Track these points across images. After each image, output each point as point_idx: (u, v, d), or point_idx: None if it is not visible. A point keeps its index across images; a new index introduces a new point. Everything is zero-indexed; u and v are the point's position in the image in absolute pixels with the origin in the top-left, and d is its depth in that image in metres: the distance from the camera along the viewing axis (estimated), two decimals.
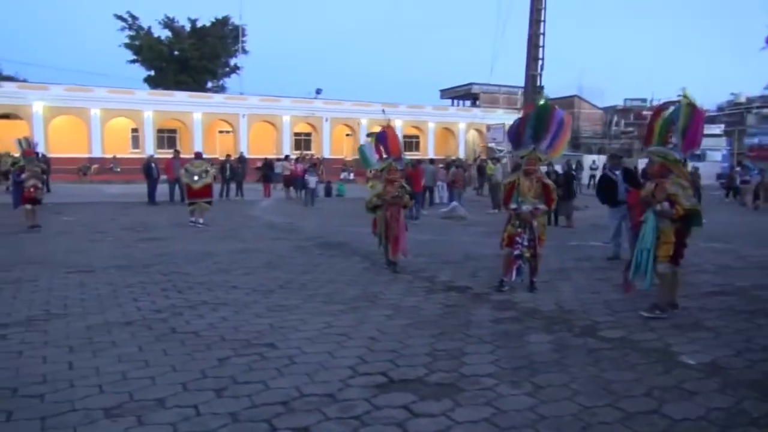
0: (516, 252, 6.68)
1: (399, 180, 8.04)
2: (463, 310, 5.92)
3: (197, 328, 5.17)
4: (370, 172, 9.52)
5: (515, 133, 6.87)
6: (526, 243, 6.66)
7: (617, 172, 9.35)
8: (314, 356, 4.45)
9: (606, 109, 67.10)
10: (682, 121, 5.67)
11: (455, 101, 59.97)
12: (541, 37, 19.54)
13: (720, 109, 77.27)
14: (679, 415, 3.44)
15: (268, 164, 23.80)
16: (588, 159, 38.01)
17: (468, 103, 58.64)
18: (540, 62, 19.68)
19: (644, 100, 78.61)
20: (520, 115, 7.33)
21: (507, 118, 48.75)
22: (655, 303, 5.73)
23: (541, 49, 19.59)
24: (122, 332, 5.03)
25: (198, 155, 14.62)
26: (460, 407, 3.55)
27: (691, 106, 5.69)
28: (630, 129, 63.58)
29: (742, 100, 74.07)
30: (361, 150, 8.72)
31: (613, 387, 3.88)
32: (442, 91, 63.04)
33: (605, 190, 9.39)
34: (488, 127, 44.97)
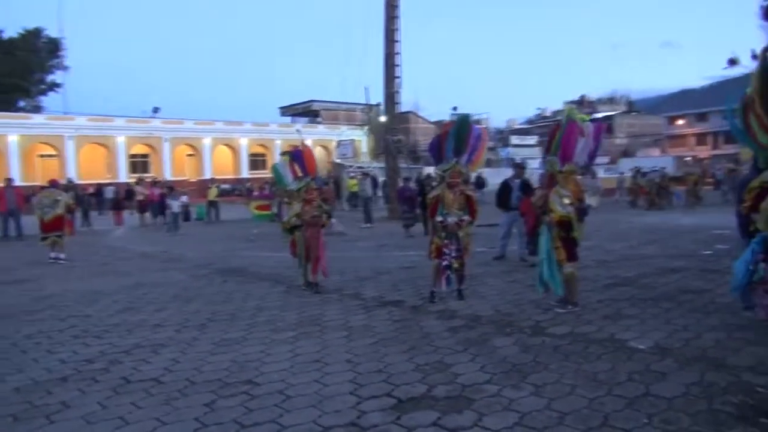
0: (445, 262, 6.95)
1: (317, 199, 7.94)
2: (414, 323, 6.03)
3: (152, 374, 4.65)
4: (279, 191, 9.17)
5: (437, 148, 7.16)
6: (454, 254, 6.96)
7: (517, 181, 10.14)
8: (305, 387, 4.26)
9: (437, 124, 71.74)
10: (558, 134, 6.28)
11: (294, 118, 59.92)
12: (397, 56, 20.45)
13: (530, 122, 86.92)
14: (668, 394, 3.87)
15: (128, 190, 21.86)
16: (425, 171, 40.37)
17: (305, 120, 58.91)
18: (398, 80, 20.58)
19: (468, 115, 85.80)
20: (438, 132, 7.63)
21: (354, 134, 50.11)
22: (565, 298, 6.34)
23: (397, 67, 20.49)
24: (65, 390, 4.36)
25: (53, 183, 12.99)
26: (486, 416, 3.65)
27: (569, 120, 6.30)
28: None
29: (549, 113, 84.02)
30: (275, 169, 8.45)
31: (600, 377, 4.24)
32: (282, 108, 62.65)
33: (501, 196, 10.13)
34: (338, 143, 45.68)
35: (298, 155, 7.92)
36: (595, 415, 3.60)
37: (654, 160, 42.55)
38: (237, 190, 38.49)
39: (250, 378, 4.48)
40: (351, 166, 38.26)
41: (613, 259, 9.75)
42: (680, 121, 67.32)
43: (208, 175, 39.79)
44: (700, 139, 64.77)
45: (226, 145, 47.15)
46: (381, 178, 26.58)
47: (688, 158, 54.21)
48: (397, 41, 20.51)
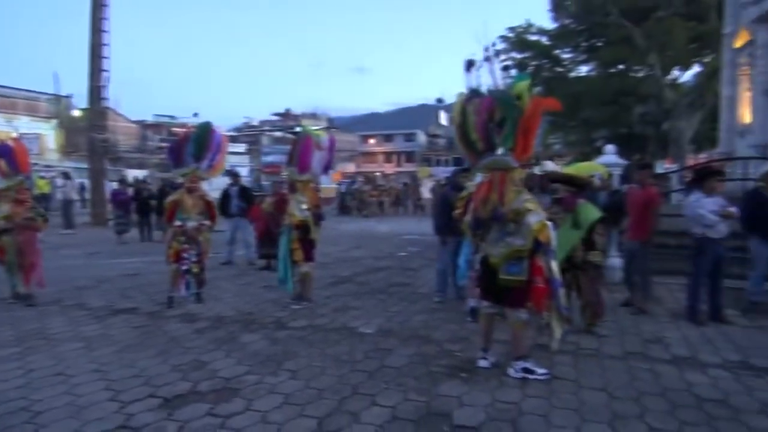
0: (184, 267, 6.98)
1: (29, 200, 7.07)
2: (156, 329, 5.96)
3: None
4: None
5: (176, 152, 7.13)
6: (194, 258, 7.03)
7: (234, 188, 10.44)
8: (54, 400, 3.99)
9: (138, 123, 67.10)
10: (297, 147, 7.01)
11: None
12: (105, 47, 18.76)
13: (237, 129, 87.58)
14: (396, 364, 4.79)
15: None
16: (130, 174, 37.62)
17: None
18: (105, 74, 18.86)
19: (173, 117, 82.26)
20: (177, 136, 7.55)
21: (38, 127, 43.48)
22: (300, 295, 7.07)
23: (105, 60, 18.79)
24: None
25: None
26: (254, 401, 4.01)
27: (305, 134, 7.10)
28: (165, 144, 65.35)
29: (256, 123, 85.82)
30: None
31: (342, 358, 4.97)
32: None
33: (222, 203, 10.33)
34: (18, 137, 39.05)
35: (6, 150, 6.95)
36: (345, 388, 4.27)
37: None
38: None
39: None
40: (36, 164, 33.22)
41: (330, 261, 10.85)
42: (371, 140, 75.87)
43: None
44: (388, 157, 74.02)
45: None
46: (77, 180, 23.84)
47: (378, 173, 61.43)
48: (105, 31, 18.86)
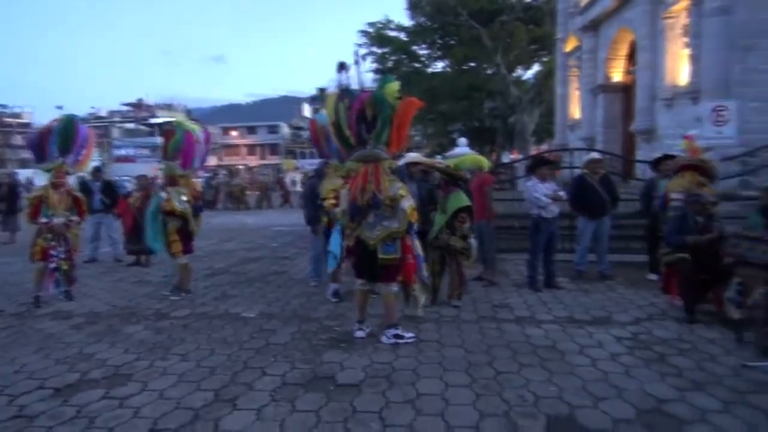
0: (52, 265, 6.80)
1: None
2: (27, 328, 5.82)
3: None
4: None
5: (38, 146, 6.87)
6: (63, 255, 6.86)
7: (97, 183, 10.07)
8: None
9: None
10: (173, 142, 7.11)
11: None
12: None
13: (83, 121, 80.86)
14: (282, 341, 5.21)
15: None
16: None
17: None
18: None
19: (5, 106, 74.15)
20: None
21: None
22: (176, 286, 7.21)
23: None
24: None
25: None
26: (149, 382, 4.24)
27: (183, 132, 7.23)
28: None
29: (104, 114, 79.77)
30: None
31: (229, 340, 5.28)
32: None
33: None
34: None
35: None
36: (236, 364, 4.63)
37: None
38: None
39: None
40: None
41: (204, 254, 10.84)
42: (234, 132, 73.98)
43: None
44: (251, 149, 72.64)
45: None
46: None
47: (241, 166, 60.15)
48: None
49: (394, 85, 4.79)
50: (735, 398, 3.80)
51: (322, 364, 4.59)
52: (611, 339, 5.12)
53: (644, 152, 12.98)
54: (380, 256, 5.01)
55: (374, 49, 31.29)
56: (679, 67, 12.15)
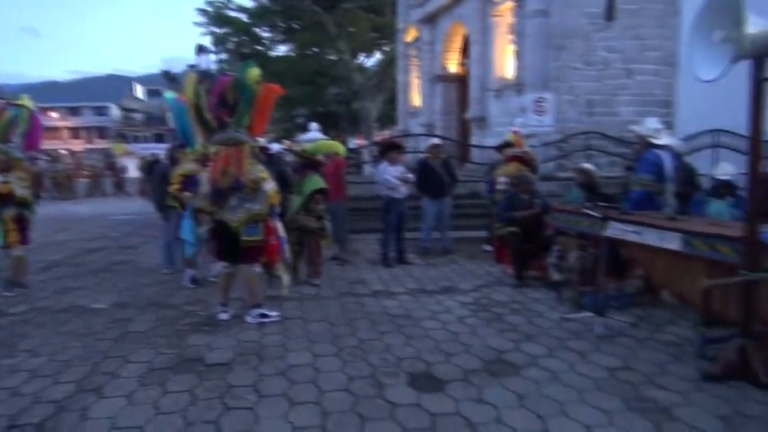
0: None
1: None
2: None
3: None
4: None
5: None
6: None
7: None
8: None
9: None
10: (23, 125, 6.63)
11: None
12: None
13: None
14: (141, 328, 5.08)
15: None
16: None
17: None
18: None
19: None
20: None
21: None
22: (10, 280, 6.63)
23: None
24: None
25: None
26: None
27: (30, 111, 6.73)
28: None
29: None
30: None
31: (81, 332, 5.03)
32: None
33: None
34: None
35: None
36: (95, 355, 4.46)
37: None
38: None
39: None
40: None
41: (34, 247, 9.83)
42: (53, 113, 66.53)
43: None
44: (74, 132, 65.89)
45: None
46: None
47: (63, 151, 54.52)
48: None
49: (256, 70, 4.86)
50: (558, 345, 4.54)
51: (188, 348, 4.59)
52: (457, 305, 5.73)
53: (477, 138, 14.21)
54: (243, 238, 5.09)
55: (214, 29, 30.12)
56: (506, 62, 13.47)
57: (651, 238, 4.57)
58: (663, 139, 5.74)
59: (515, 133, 8.35)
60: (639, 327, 4.93)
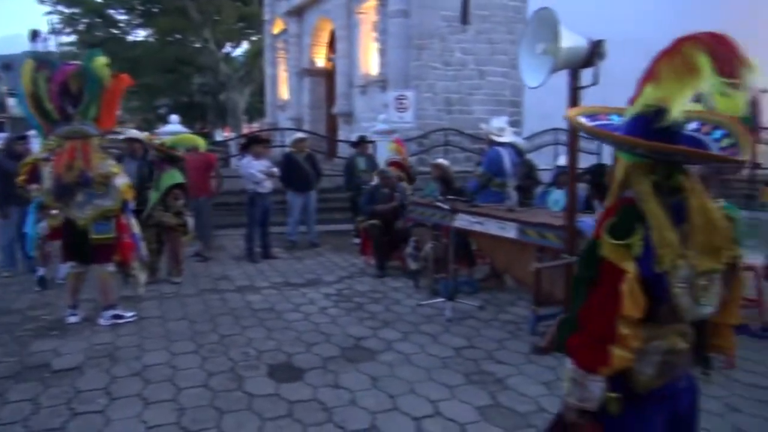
0: None
1: None
2: None
3: None
4: None
5: None
6: None
7: None
8: None
9: None
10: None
11: None
12: None
13: None
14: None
15: None
16: None
17: None
18: None
19: None
20: None
21: None
22: None
23: None
24: None
25: None
26: None
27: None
28: None
29: None
30: None
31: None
32: None
33: None
34: None
35: None
36: None
37: None
38: None
39: None
40: None
41: None
42: None
43: None
44: None
45: None
46: None
47: None
48: None
49: (102, 59, 4.61)
50: (411, 329, 4.86)
51: (31, 355, 4.30)
52: (321, 296, 5.89)
53: (344, 133, 14.48)
54: (92, 236, 4.83)
55: (61, 8, 27.55)
56: (371, 59, 13.83)
57: (492, 228, 5.04)
58: (505, 137, 6.28)
59: (397, 142, 8.75)
60: (485, 309, 5.40)
